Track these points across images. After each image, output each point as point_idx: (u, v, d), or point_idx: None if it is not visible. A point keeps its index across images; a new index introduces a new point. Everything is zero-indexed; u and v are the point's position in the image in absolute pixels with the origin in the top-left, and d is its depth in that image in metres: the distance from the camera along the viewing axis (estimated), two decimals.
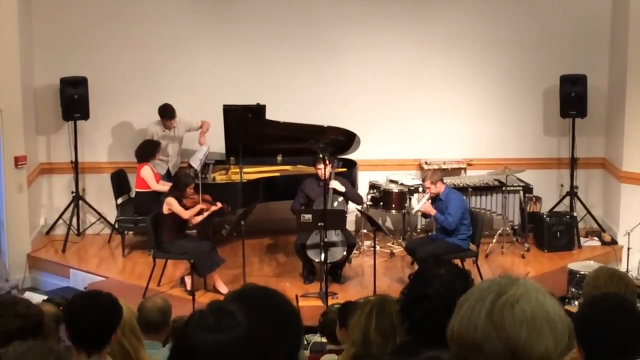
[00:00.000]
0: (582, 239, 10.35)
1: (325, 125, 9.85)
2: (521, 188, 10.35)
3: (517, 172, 10.32)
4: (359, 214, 10.08)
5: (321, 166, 9.03)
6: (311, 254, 9.01)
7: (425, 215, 9.37)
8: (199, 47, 10.61)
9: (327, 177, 9.04)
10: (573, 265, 8.77)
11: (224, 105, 9.87)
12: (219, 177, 10.18)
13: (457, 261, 7.84)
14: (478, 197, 10.30)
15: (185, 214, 8.89)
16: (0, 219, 9.56)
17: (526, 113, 10.88)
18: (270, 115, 9.98)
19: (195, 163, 9.73)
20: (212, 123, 10.23)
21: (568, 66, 10.50)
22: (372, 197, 10.11)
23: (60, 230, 10.54)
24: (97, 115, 10.37)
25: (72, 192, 10.47)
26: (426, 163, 10.68)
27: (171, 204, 8.84)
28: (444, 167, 10.60)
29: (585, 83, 10.36)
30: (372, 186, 10.21)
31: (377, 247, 9.29)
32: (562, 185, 10.87)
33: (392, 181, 10.41)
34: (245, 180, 9.88)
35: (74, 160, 10.35)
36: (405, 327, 2.83)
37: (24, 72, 9.87)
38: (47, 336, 4.09)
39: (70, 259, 9.98)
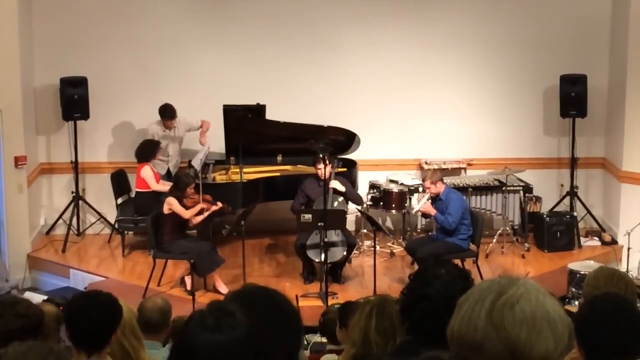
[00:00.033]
0: (582, 239, 10.35)
1: (325, 125, 9.85)
2: (521, 188, 10.35)
3: (517, 172, 10.33)
4: (359, 214, 10.07)
5: (321, 166, 9.03)
6: (311, 254, 9.01)
7: (425, 215, 9.37)
8: (199, 47, 10.61)
9: (327, 177, 9.04)
10: (573, 265, 8.77)
11: (224, 105, 9.87)
12: (219, 177, 10.18)
13: (457, 261, 7.83)
14: (478, 197, 10.30)
15: (185, 214, 8.89)
16: (0, 219, 9.55)
17: (526, 113, 10.88)
18: (270, 115, 9.98)
19: (196, 163, 9.73)
20: (212, 123, 10.23)
21: (568, 66, 10.50)
22: (372, 197, 10.11)
23: (60, 230, 10.54)
24: (97, 115, 10.36)
25: (72, 192, 10.47)
26: (426, 163, 10.68)
27: (172, 204, 8.84)
28: (444, 167, 10.60)
29: (585, 83, 10.36)
30: (372, 186, 10.21)
31: (377, 247, 9.29)
32: (562, 185, 10.87)
33: (392, 181, 10.41)
34: (245, 180, 9.88)
35: (74, 160, 10.35)
36: (405, 327, 2.83)
37: (24, 72, 9.87)
38: (47, 336, 4.08)
39: (70, 259, 9.98)
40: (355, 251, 9.70)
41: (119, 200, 10.41)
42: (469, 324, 1.90)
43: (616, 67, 10.52)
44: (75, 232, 10.54)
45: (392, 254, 10.10)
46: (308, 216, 8.79)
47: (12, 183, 9.64)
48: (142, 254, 9.95)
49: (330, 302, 8.33)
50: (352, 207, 9.59)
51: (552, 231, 10.15)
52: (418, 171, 10.79)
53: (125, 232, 10.14)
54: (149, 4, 10.56)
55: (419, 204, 9.18)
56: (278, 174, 10.14)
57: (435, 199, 9.07)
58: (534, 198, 10.59)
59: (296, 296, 7.21)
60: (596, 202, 10.87)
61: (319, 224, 8.67)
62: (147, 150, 9.90)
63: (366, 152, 10.30)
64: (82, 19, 10.46)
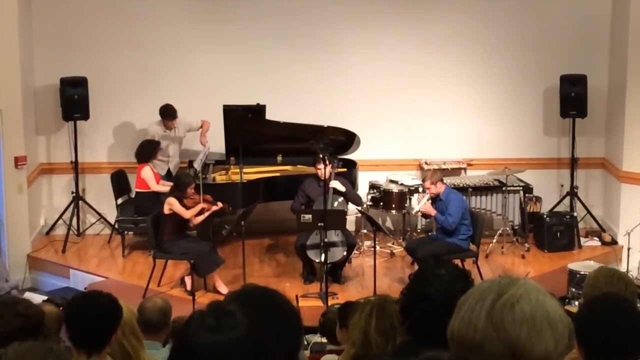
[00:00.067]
0: (582, 239, 10.35)
1: (325, 125, 9.85)
2: (521, 188, 10.35)
3: (517, 172, 10.32)
4: (359, 215, 10.06)
5: (321, 166, 9.03)
6: (311, 254, 9.01)
7: (425, 215, 9.37)
8: (199, 47, 10.61)
9: (327, 177, 9.04)
10: (573, 266, 8.77)
11: (224, 106, 9.87)
12: (219, 177, 10.18)
13: (457, 261, 7.83)
14: (478, 197, 10.30)
15: (186, 214, 8.89)
16: (0, 219, 9.55)
17: (526, 113, 10.88)
18: (270, 115, 9.98)
19: (196, 163, 9.74)
20: (212, 123, 10.23)
21: (568, 66, 10.50)
22: (372, 197, 10.11)
23: (60, 230, 10.54)
24: (97, 115, 10.36)
25: (72, 193, 10.47)
26: (426, 163, 10.67)
27: (172, 204, 8.84)
28: (444, 167, 10.60)
29: (585, 83, 10.36)
30: (372, 186, 10.21)
31: (377, 247, 9.29)
32: (562, 185, 10.87)
33: (392, 181, 10.41)
34: (245, 181, 9.88)
35: (74, 160, 10.35)
36: (405, 328, 2.82)
37: (24, 72, 9.87)
38: (47, 336, 4.08)
39: (70, 260, 9.98)
40: (355, 251, 9.70)
41: (119, 201, 10.41)
42: (469, 324, 1.90)
43: (616, 67, 10.52)
44: (75, 233, 10.53)
45: (392, 254, 10.10)
46: (308, 216, 8.79)
47: (12, 183, 9.64)
48: (142, 254, 9.95)
49: (330, 302, 8.33)
50: (352, 207, 9.59)
51: (552, 231, 10.16)
52: (418, 171, 10.79)
53: (125, 232, 10.14)
54: (149, 4, 10.56)
55: (419, 204, 9.19)
56: (278, 174, 10.14)
57: (435, 199, 9.07)
58: (534, 198, 10.59)
59: (296, 296, 7.20)
60: (596, 202, 10.87)
61: (319, 224, 8.67)
62: (147, 151, 9.90)
63: (366, 152, 10.30)
64: (82, 19, 10.46)
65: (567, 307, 7.35)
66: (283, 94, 10.54)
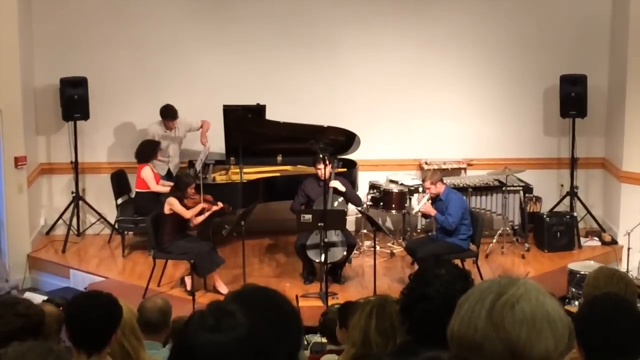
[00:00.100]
0: (582, 239, 10.35)
1: (325, 126, 9.85)
2: (521, 188, 10.35)
3: (517, 172, 10.32)
4: (359, 215, 10.06)
5: (321, 166, 9.03)
6: (311, 254, 9.01)
7: (425, 215, 9.37)
8: (199, 47, 10.61)
9: (327, 177, 9.04)
10: (573, 266, 8.77)
11: (224, 106, 9.87)
12: (219, 177, 10.18)
13: (457, 261, 7.82)
14: (478, 197, 10.30)
15: (187, 214, 8.89)
16: (0, 219, 9.55)
17: (526, 113, 10.88)
18: (270, 115, 9.98)
19: (196, 163, 9.75)
20: (212, 123, 10.23)
21: (568, 66, 10.50)
22: (372, 197, 10.11)
23: (60, 230, 10.54)
24: (97, 115, 10.36)
25: (72, 193, 10.47)
26: (426, 163, 10.67)
27: (172, 204, 8.84)
28: (444, 167, 10.60)
29: (585, 83, 10.36)
30: (372, 186, 10.21)
31: (377, 247, 9.29)
32: (562, 185, 10.87)
33: (392, 181, 10.40)
34: (245, 181, 9.88)
35: (74, 160, 10.35)
36: (405, 328, 2.82)
37: (24, 72, 9.87)
38: (47, 336, 4.08)
39: (70, 260, 9.98)
40: (355, 251, 9.70)
41: (119, 201, 10.41)
42: (469, 324, 1.90)
43: (616, 67, 10.52)
44: (75, 233, 10.53)
45: (392, 254, 10.10)
46: (308, 216, 8.79)
47: (12, 183, 9.64)
48: (142, 254, 9.95)
49: (330, 302, 8.33)
50: (352, 207, 9.59)
51: (552, 231, 10.16)
52: (418, 171, 10.79)
53: (125, 232, 10.14)
54: (149, 4, 10.56)
55: (419, 204, 9.19)
56: (278, 174, 10.14)
57: (435, 200, 9.07)
58: (534, 198, 10.59)
59: (296, 296, 7.20)
60: (596, 202, 10.87)
61: (319, 224, 8.67)
62: (147, 151, 9.90)
63: (366, 153, 10.30)
64: (82, 19, 10.46)
65: (567, 307, 7.35)
66: (283, 94, 10.54)
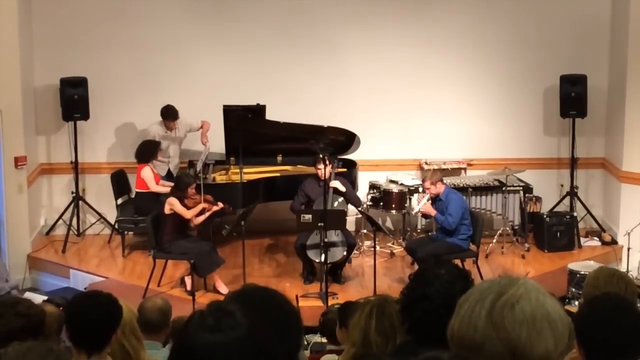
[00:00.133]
0: (582, 239, 10.35)
1: (325, 126, 9.85)
2: (521, 188, 10.35)
3: (517, 172, 10.32)
4: (360, 215, 10.06)
5: (321, 166, 9.03)
6: (311, 254, 9.01)
7: (425, 215, 9.37)
8: (199, 47, 10.61)
9: (327, 177, 9.04)
10: (573, 265, 8.77)
11: (224, 106, 9.87)
12: (219, 178, 10.18)
13: (457, 261, 7.82)
14: (478, 197, 10.30)
15: (187, 214, 8.89)
16: (1, 219, 9.55)
17: (526, 113, 10.88)
18: (270, 115, 9.98)
19: (197, 163, 9.76)
20: (212, 123, 10.23)
21: (568, 66, 10.50)
22: (372, 197, 10.11)
23: (60, 230, 10.54)
24: (97, 115, 10.36)
25: (72, 193, 10.47)
26: (426, 163, 10.67)
27: (173, 204, 8.84)
28: (444, 167, 10.60)
29: (585, 83, 10.36)
30: (372, 186, 10.21)
31: (377, 247, 9.28)
32: (562, 185, 10.87)
33: (392, 181, 10.40)
34: (245, 181, 9.88)
35: (74, 160, 10.35)
36: (405, 328, 2.82)
37: (24, 72, 9.87)
38: (48, 336, 4.08)
39: (70, 260, 9.98)
40: (355, 251, 9.69)
41: (119, 201, 10.41)
42: (469, 324, 1.90)
43: (616, 67, 10.52)
44: (75, 233, 10.53)
45: (392, 254, 10.10)
46: (308, 216, 8.79)
47: (12, 183, 9.64)
48: (142, 254, 9.95)
49: (330, 302, 8.33)
50: (352, 208, 9.60)
51: (552, 231, 10.15)
52: (418, 171, 10.79)
53: (125, 232, 10.13)
54: (149, 4, 10.56)
55: (419, 204, 9.19)
56: (278, 174, 10.14)
57: (435, 200, 9.07)
58: (534, 198, 10.59)
59: (296, 296, 7.20)
60: (596, 202, 10.87)
61: (319, 224, 8.67)
62: (147, 151, 9.90)
63: (366, 153, 10.30)
64: (82, 19, 10.46)
65: (567, 307, 7.35)
66: (283, 94, 10.54)
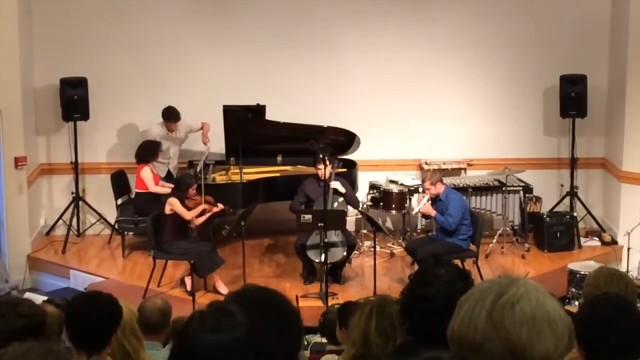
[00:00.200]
0: (582, 239, 10.35)
1: (325, 126, 9.86)
2: (521, 188, 10.35)
3: (517, 172, 10.32)
4: (360, 215, 10.06)
5: (321, 166, 9.03)
6: (311, 254, 9.01)
7: (425, 216, 9.37)
8: (199, 47, 10.61)
9: (327, 177, 9.04)
10: (573, 266, 8.77)
11: (224, 106, 9.87)
12: (219, 178, 10.18)
13: (457, 261, 7.84)
14: (478, 197, 10.30)
15: (187, 215, 8.89)
16: (1, 219, 9.55)
17: (526, 113, 10.88)
18: (270, 115, 9.98)
19: (198, 163, 9.76)
20: (212, 123, 10.23)
21: (568, 66, 10.50)
22: (372, 197, 10.11)
23: (60, 230, 10.54)
24: (97, 115, 10.36)
25: (72, 193, 10.47)
26: (426, 163, 10.67)
27: (174, 205, 8.84)
28: (444, 167, 10.59)
29: (585, 83, 10.36)
30: (372, 186, 10.21)
31: (377, 248, 9.28)
32: (562, 185, 10.87)
33: (392, 181, 10.40)
34: (245, 181, 9.88)
35: (74, 161, 10.35)
36: (405, 328, 2.82)
37: (24, 72, 9.87)
38: (49, 337, 4.08)
39: (70, 260, 9.98)
40: (355, 252, 9.69)
41: (119, 201, 10.41)
42: (469, 324, 1.90)
43: (616, 67, 10.52)
44: (75, 233, 10.53)
45: (392, 254, 10.10)
46: (308, 216, 8.79)
47: (12, 184, 9.64)
48: (142, 254, 9.94)
49: (330, 302, 8.33)
50: (351, 210, 9.60)
51: (552, 231, 10.15)
52: (418, 171, 10.79)
53: (125, 232, 10.13)
54: (149, 5, 10.56)
55: (419, 205, 9.19)
56: (278, 174, 10.14)
57: (435, 200, 9.07)
58: (534, 198, 10.59)
59: (296, 296, 7.20)
60: (596, 202, 10.87)
61: (319, 224, 8.67)
62: (148, 152, 9.90)
63: (366, 153, 10.30)
64: (82, 19, 10.46)
65: (567, 307, 7.35)
66: (283, 94, 10.54)
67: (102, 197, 10.60)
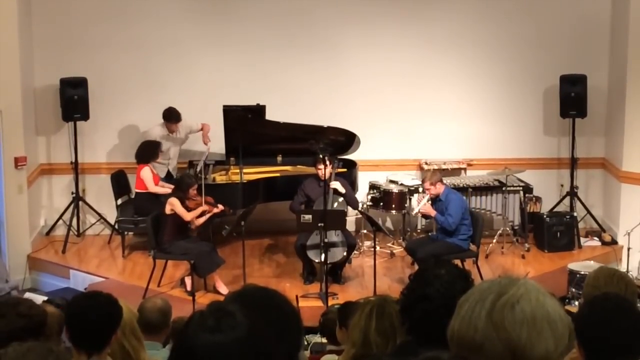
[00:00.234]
0: (582, 239, 10.35)
1: (325, 126, 9.86)
2: (521, 188, 10.35)
3: (517, 172, 10.32)
4: (360, 215, 10.06)
5: (321, 166, 9.03)
6: (311, 254, 9.01)
7: (425, 216, 9.37)
8: (199, 47, 10.61)
9: (327, 177, 9.04)
10: (573, 266, 8.77)
11: (224, 106, 9.87)
12: (219, 178, 10.18)
13: (457, 261, 7.84)
14: (478, 197, 10.30)
15: (187, 216, 8.88)
16: (1, 219, 9.55)
17: (526, 113, 10.88)
18: (270, 115, 9.98)
19: (198, 163, 9.76)
20: (212, 124, 10.23)
21: (568, 66, 10.50)
22: (372, 197, 10.11)
23: (60, 231, 10.54)
24: (96, 115, 10.36)
25: (72, 193, 10.47)
26: (426, 163, 10.67)
27: (174, 205, 8.84)
28: (444, 167, 10.59)
29: (585, 83, 10.36)
30: (372, 186, 10.21)
31: (377, 248, 9.28)
32: (562, 185, 10.88)
33: (392, 181, 10.40)
34: (245, 181, 9.88)
35: (74, 161, 10.35)
36: (405, 328, 2.82)
37: (24, 72, 9.87)
38: (49, 337, 4.08)
39: (70, 260, 9.98)
40: (355, 252, 9.69)
41: (119, 201, 10.41)
42: (469, 324, 1.90)
43: (616, 67, 10.52)
44: (75, 233, 10.53)
45: (392, 254, 10.10)
46: (308, 216, 8.79)
47: (12, 184, 9.64)
48: (142, 254, 9.94)
49: (330, 302, 8.33)
50: (351, 210, 9.60)
51: (552, 231, 10.15)
52: (418, 171, 10.79)
53: (125, 232, 10.13)
54: (149, 5, 10.56)
55: (419, 205, 9.19)
56: (278, 174, 10.14)
57: (435, 200, 9.07)
58: (534, 198, 10.59)
59: (296, 296, 7.20)
60: (596, 202, 10.87)
61: (319, 224, 8.67)
62: (148, 152, 9.90)
63: (366, 153, 10.30)
64: (82, 19, 10.46)
65: (567, 307, 7.36)
66: (283, 94, 10.54)
67: (102, 197, 10.60)
